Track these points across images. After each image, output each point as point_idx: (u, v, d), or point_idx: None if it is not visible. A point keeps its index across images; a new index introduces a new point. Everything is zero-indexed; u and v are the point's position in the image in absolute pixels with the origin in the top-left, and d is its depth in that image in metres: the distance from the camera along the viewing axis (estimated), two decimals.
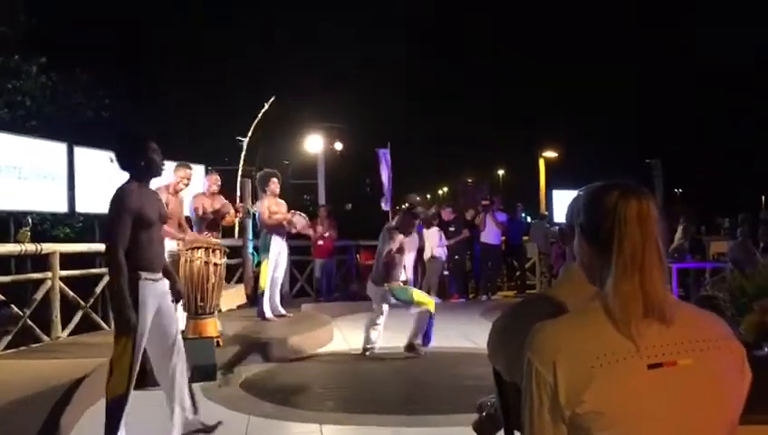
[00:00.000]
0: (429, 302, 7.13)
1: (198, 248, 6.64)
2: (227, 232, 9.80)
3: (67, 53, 17.18)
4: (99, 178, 8.59)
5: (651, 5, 31.17)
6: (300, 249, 12.17)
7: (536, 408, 1.26)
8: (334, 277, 12.28)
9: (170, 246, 6.29)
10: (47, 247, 7.35)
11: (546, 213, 15.43)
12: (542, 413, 1.26)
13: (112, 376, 3.85)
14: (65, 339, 7.24)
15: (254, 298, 8.92)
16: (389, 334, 8.35)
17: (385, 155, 14.14)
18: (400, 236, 7.16)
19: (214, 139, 19.38)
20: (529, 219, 16.37)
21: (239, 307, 9.87)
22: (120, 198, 3.93)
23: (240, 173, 8.66)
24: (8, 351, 6.57)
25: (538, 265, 13.85)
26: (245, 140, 8.66)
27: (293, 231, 8.93)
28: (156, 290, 3.98)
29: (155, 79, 21.01)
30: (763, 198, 25.24)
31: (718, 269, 11.07)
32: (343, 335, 8.50)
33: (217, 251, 6.78)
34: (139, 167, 4.06)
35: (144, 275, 3.91)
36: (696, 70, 27.80)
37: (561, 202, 15.57)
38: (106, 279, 7.87)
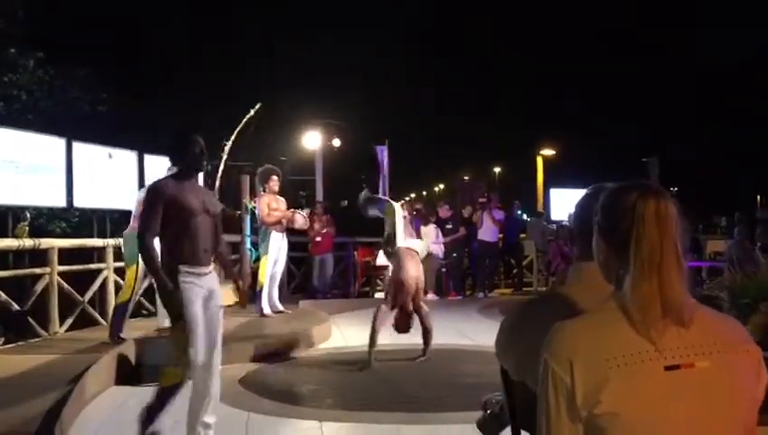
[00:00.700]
0: None
1: None
2: (224, 228, 9.78)
3: (64, 47, 17.13)
4: (96, 173, 8.58)
5: (650, 4, 31.21)
6: (298, 245, 12.16)
7: (553, 408, 1.26)
8: (332, 274, 12.28)
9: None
10: (45, 242, 7.33)
11: (543, 211, 15.45)
12: (559, 414, 1.25)
13: (171, 365, 3.85)
14: (63, 334, 7.22)
15: (252, 294, 8.91)
16: (387, 332, 8.36)
17: (383, 152, 14.14)
18: None
19: (211, 133, 19.34)
20: (525, 217, 16.38)
21: (237, 303, 9.84)
22: (152, 189, 3.93)
23: (219, 175, 8.60)
24: (7, 346, 6.55)
25: (535, 263, 13.87)
26: (229, 143, 8.61)
27: (296, 226, 8.92)
28: (200, 284, 3.84)
29: (152, 74, 20.94)
30: (759, 197, 25.32)
31: (715, 268, 11.11)
32: (341, 332, 8.50)
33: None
34: (182, 161, 4.00)
35: (184, 268, 3.78)
36: (693, 69, 27.85)
37: (559, 200, 15.60)
38: (103, 275, 7.88)
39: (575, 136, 27.14)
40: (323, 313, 9.12)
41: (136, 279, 6.53)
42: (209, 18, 24.62)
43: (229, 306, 9.33)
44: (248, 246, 10.14)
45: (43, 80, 16.89)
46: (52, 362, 5.75)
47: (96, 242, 8.23)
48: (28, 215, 7.48)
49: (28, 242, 7.01)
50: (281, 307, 8.76)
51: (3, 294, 6.67)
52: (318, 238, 11.65)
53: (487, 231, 12.55)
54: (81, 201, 8.47)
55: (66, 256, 7.73)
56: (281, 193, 8.76)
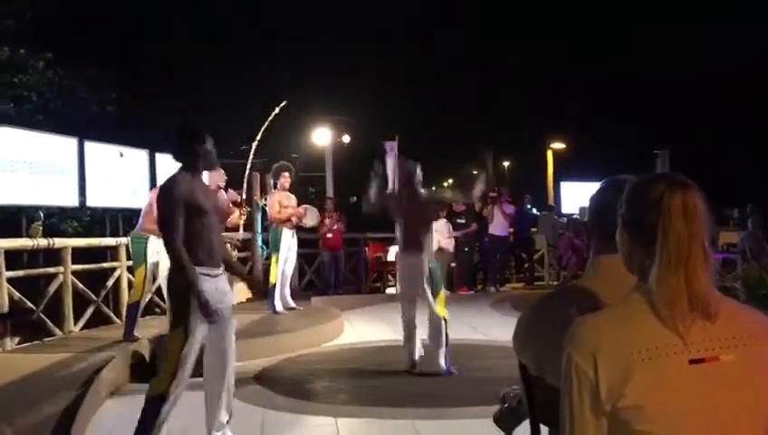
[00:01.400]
0: None
1: None
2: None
3: (73, 48, 17.19)
4: (108, 172, 8.62)
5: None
6: (308, 242, 12.17)
7: (576, 402, 1.26)
8: (343, 270, 12.29)
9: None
10: (59, 242, 7.37)
11: (554, 204, 15.39)
12: (583, 408, 1.25)
13: (159, 372, 3.67)
14: (78, 333, 7.26)
15: (264, 292, 8.94)
16: (399, 328, 8.37)
17: (392, 148, 14.11)
18: None
19: (221, 132, 19.40)
20: (535, 211, 16.32)
21: (248, 301, 9.87)
22: (168, 188, 3.74)
23: (247, 173, 8.61)
24: (22, 345, 6.60)
25: (546, 257, 13.83)
26: (254, 145, 8.61)
27: (308, 225, 8.93)
28: (213, 286, 3.77)
29: (161, 73, 21.00)
30: None
31: (728, 260, 11.07)
32: (353, 328, 8.51)
33: (227, 244, 6.79)
34: (191, 158, 3.85)
35: (200, 270, 3.69)
36: (705, 60, 27.64)
37: (570, 194, 15.54)
38: (117, 273, 7.92)
39: (585, 129, 27.00)
40: (335, 309, 9.14)
41: (145, 279, 6.56)
42: (218, 17, 24.66)
43: (244, 302, 9.38)
44: (259, 243, 10.17)
45: (52, 80, 16.98)
46: (67, 360, 5.79)
47: (109, 241, 8.27)
48: (41, 215, 7.52)
49: (42, 242, 7.05)
50: (293, 304, 8.79)
51: (17, 294, 6.71)
52: (329, 235, 11.66)
53: (498, 225, 12.52)
54: (93, 200, 8.52)
55: (79, 255, 7.77)
56: (291, 190, 8.77)
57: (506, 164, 42.15)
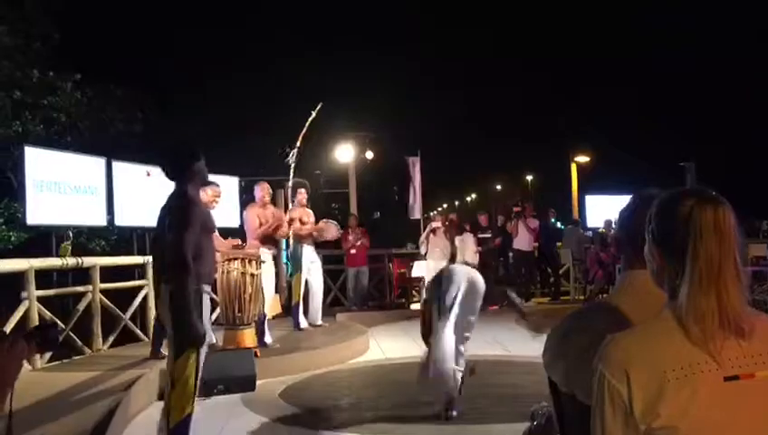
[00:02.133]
0: None
1: (235, 259, 6.70)
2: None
3: (99, 69, 17.51)
4: (135, 191, 8.73)
5: (684, 7, 30.79)
6: (333, 258, 12.20)
7: (609, 421, 1.24)
8: (368, 286, 12.28)
9: None
10: (88, 261, 7.47)
11: (579, 218, 15.28)
12: (616, 426, 1.23)
13: (176, 395, 3.57)
14: (106, 351, 7.33)
15: (289, 308, 8.97)
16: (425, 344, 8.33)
17: (415, 163, 14.16)
18: None
19: (244, 150, 19.59)
20: (559, 225, 16.21)
21: (275, 317, 9.91)
22: (189, 206, 3.70)
23: (290, 184, 8.65)
24: (52, 363, 6.67)
25: (572, 271, 13.71)
26: (294, 151, 8.64)
27: (328, 237, 8.95)
28: (208, 302, 3.95)
29: (186, 93, 21.28)
30: None
31: (757, 272, 10.88)
32: (379, 344, 8.49)
33: (254, 262, 6.83)
34: (192, 176, 3.85)
35: (203, 287, 3.77)
36: (731, 70, 27.39)
37: (595, 207, 15.42)
38: (144, 291, 8.00)
39: (610, 142, 26.86)
40: (361, 325, 9.13)
41: None
42: (242, 34, 24.96)
43: (270, 319, 9.43)
44: (284, 260, 10.22)
45: (80, 101, 17.28)
46: (96, 378, 5.84)
47: (136, 259, 8.36)
48: (71, 234, 7.63)
49: (71, 261, 7.15)
50: (320, 322, 8.79)
51: (48, 313, 6.80)
52: (352, 251, 11.68)
53: (522, 240, 12.46)
54: (120, 219, 8.63)
55: (107, 273, 7.86)
56: (313, 207, 8.81)
57: (530, 178, 42.02)
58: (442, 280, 5.09)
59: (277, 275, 10.57)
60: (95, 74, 17.22)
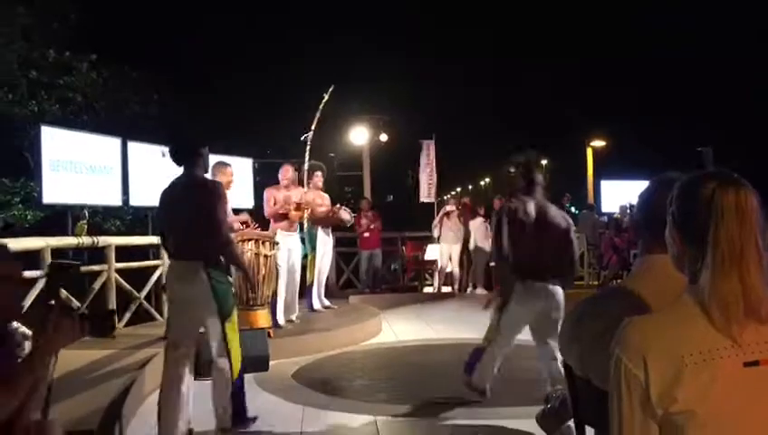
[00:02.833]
0: None
1: (248, 240, 6.71)
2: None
3: (116, 49, 17.54)
4: (150, 171, 8.76)
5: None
6: (346, 241, 12.22)
7: (626, 406, 1.23)
8: (381, 269, 12.31)
9: None
10: (103, 240, 7.51)
11: (594, 203, 15.18)
12: (633, 412, 1.22)
13: (235, 352, 4.13)
14: (121, 330, 7.40)
15: (302, 290, 9.00)
16: (439, 326, 8.35)
17: (429, 146, 14.12)
18: None
19: (256, 132, 19.62)
20: (573, 210, 16.11)
21: None
22: (219, 188, 4.16)
23: (307, 167, 8.67)
24: None
25: (586, 256, 13.64)
26: (310, 135, 8.65)
27: (343, 219, 8.96)
28: None
29: (201, 74, 21.29)
30: None
31: None
32: (391, 327, 8.51)
33: (267, 242, 6.84)
34: (200, 161, 4.28)
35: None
36: (749, 54, 27.02)
37: (610, 192, 15.33)
38: (159, 271, 8.06)
39: (626, 126, 26.63)
40: (373, 308, 9.16)
41: None
42: (256, 17, 24.89)
43: None
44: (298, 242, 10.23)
45: (96, 82, 17.33)
46: (111, 356, 5.90)
47: (151, 239, 8.40)
48: (86, 214, 7.68)
49: (87, 240, 7.20)
50: (327, 303, 8.84)
51: (64, 291, 6.85)
52: (365, 234, 11.69)
53: None
54: (135, 199, 8.67)
55: (122, 253, 7.91)
56: (327, 189, 8.81)
57: (545, 162, 41.81)
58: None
59: None
60: (111, 55, 17.26)
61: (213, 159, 6.72)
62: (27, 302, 6.35)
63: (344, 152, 19.50)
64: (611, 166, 19.59)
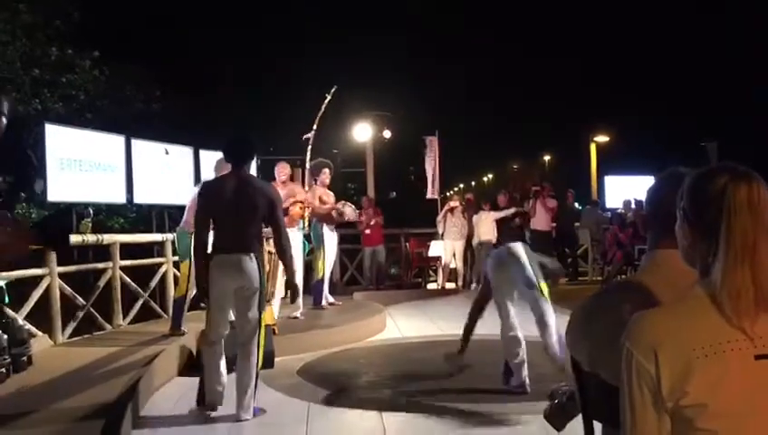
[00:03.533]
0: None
1: None
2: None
3: (118, 46, 17.54)
4: (154, 169, 8.78)
5: None
6: (350, 238, 12.23)
7: (637, 400, 1.23)
8: (384, 265, 12.31)
9: None
10: (108, 238, 7.54)
11: (598, 199, 15.17)
12: (644, 406, 1.22)
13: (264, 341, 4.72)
14: (126, 327, 7.42)
15: (306, 286, 9.01)
16: (443, 323, 8.35)
17: (432, 142, 14.10)
18: None
19: (258, 129, 19.62)
20: (577, 205, 16.09)
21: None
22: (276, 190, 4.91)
23: (310, 165, 8.68)
24: (73, 338, 6.77)
25: (590, 252, 13.64)
26: (311, 135, 8.66)
27: (346, 220, 8.97)
28: None
29: (204, 72, 21.29)
30: None
31: None
32: (395, 323, 8.52)
33: (271, 239, 6.84)
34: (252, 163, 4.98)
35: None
36: (754, 48, 26.91)
37: (614, 188, 15.31)
38: (163, 269, 8.07)
39: (629, 121, 26.55)
40: (378, 304, 9.16)
41: (190, 273, 6.65)
42: (260, 14, 24.87)
43: (285, 297, 9.48)
44: (301, 239, 10.24)
45: (99, 79, 17.33)
46: (117, 353, 5.92)
47: (155, 237, 8.42)
48: (91, 211, 7.69)
49: (92, 238, 7.21)
50: (332, 299, 8.85)
51: (68, 289, 6.88)
52: (367, 231, 11.70)
53: (540, 220, 12.40)
54: (140, 197, 8.69)
55: (126, 251, 7.93)
56: (331, 185, 8.81)
57: (548, 158, 41.74)
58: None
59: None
60: (114, 53, 17.26)
61: (217, 155, 6.75)
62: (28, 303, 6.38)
63: (348, 149, 19.48)
64: (615, 161, 19.58)
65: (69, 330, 6.80)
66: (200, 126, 17.43)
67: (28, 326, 5.91)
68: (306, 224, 8.19)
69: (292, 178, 8.24)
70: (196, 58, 21.18)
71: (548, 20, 36.80)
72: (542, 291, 5.18)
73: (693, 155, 14.90)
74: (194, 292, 7.17)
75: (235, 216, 4.47)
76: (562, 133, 30.32)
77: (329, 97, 8.69)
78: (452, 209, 11.84)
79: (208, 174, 8.51)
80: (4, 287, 5.38)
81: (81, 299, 7.02)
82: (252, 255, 4.45)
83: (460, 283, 12.08)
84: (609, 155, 18.73)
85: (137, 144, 8.51)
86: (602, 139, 17.69)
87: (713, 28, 29.06)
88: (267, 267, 6.73)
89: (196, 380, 5.49)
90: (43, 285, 6.46)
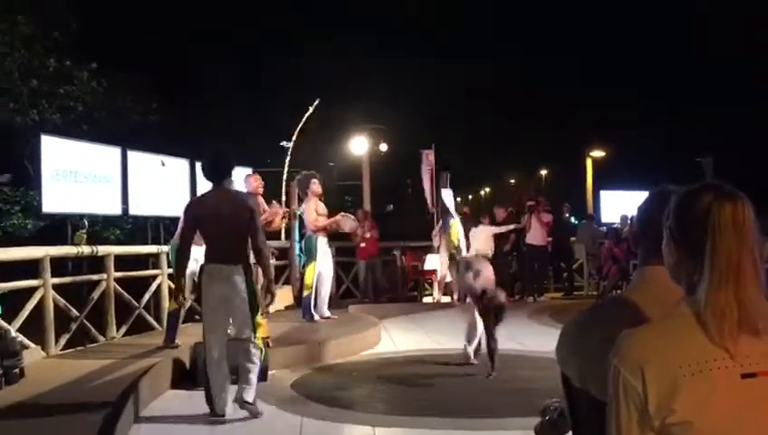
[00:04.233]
0: None
1: None
2: (275, 234, 9.87)
3: (116, 58, 17.59)
4: (150, 181, 8.77)
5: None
6: (345, 251, 12.22)
7: (623, 418, 1.23)
8: (379, 279, 12.29)
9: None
10: (102, 250, 7.51)
11: (593, 213, 15.19)
12: (630, 422, 1.22)
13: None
14: (120, 339, 7.39)
15: (301, 300, 8.98)
16: (438, 336, 8.34)
17: (429, 155, 14.12)
18: None
19: (257, 140, 19.66)
20: (573, 220, 16.10)
21: (287, 308, 9.95)
22: (256, 202, 5.34)
23: (285, 176, 8.69)
24: (67, 350, 6.74)
25: (586, 266, 13.65)
26: (290, 144, 8.70)
27: (346, 229, 8.97)
28: None
29: (199, 82, 21.36)
30: None
31: None
32: (390, 337, 8.50)
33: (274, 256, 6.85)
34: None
35: None
36: (750, 63, 27.06)
37: (610, 202, 15.33)
38: (158, 281, 8.05)
39: (625, 137, 26.65)
40: (373, 317, 9.14)
41: (184, 286, 6.63)
42: (255, 25, 24.97)
43: (281, 310, 9.46)
44: (297, 251, 10.24)
45: (96, 91, 17.37)
46: (111, 366, 5.89)
47: (150, 249, 8.40)
48: (86, 223, 7.68)
49: (86, 249, 7.20)
50: (328, 313, 8.77)
51: (62, 300, 6.86)
52: (362, 244, 11.69)
53: (536, 234, 12.41)
54: (135, 209, 8.67)
55: (121, 262, 7.91)
56: (325, 198, 8.79)
57: (545, 172, 41.83)
58: None
59: (289, 266, 10.63)
60: (112, 64, 17.31)
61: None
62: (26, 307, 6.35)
63: (344, 162, 19.53)
64: (611, 176, 19.61)
65: (62, 342, 6.77)
66: (197, 138, 17.46)
67: (21, 338, 5.89)
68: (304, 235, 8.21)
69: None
70: (193, 70, 21.27)
71: (547, 31, 36.99)
72: None
73: (689, 170, 14.92)
74: (188, 304, 7.18)
75: (218, 229, 4.81)
76: (559, 148, 30.39)
77: (311, 109, 8.73)
78: None
79: (204, 186, 8.53)
80: None
81: (74, 311, 6.99)
82: (239, 266, 4.77)
83: (456, 296, 12.04)
84: (605, 170, 18.77)
85: (133, 156, 8.51)
86: (598, 153, 17.75)
87: (711, 41, 29.22)
88: (260, 281, 6.76)
89: (190, 392, 5.49)
90: (37, 296, 6.44)
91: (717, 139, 24.13)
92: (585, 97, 33.32)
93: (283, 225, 8.11)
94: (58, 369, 5.86)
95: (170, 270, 7.52)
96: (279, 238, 11.01)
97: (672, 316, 1.29)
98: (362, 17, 29.03)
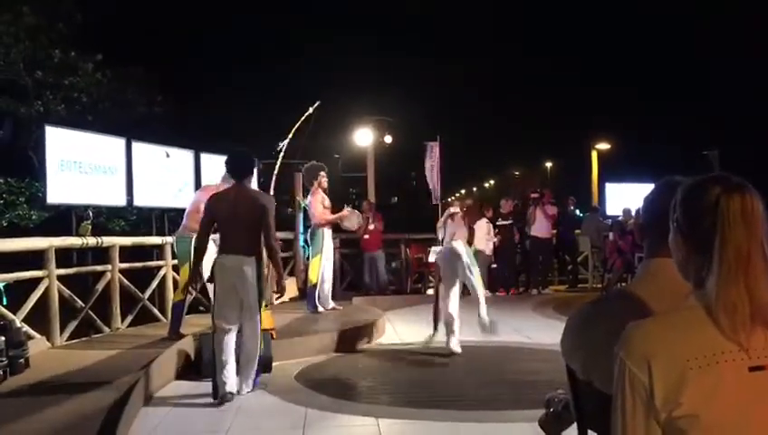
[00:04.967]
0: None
1: None
2: (279, 225, 9.86)
3: (121, 50, 17.59)
4: (154, 172, 8.77)
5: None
6: (349, 242, 12.21)
7: (629, 410, 1.22)
8: (384, 270, 12.28)
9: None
10: (107, 241, 7.52)
11: (599, 206, 15.15)
12: (636, 414, 1.21)
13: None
14: (125, 330, 7.41)
15: (306, 291, 8.98)
16: (442, 328, 8.32)
17: (433, 148, 14.08)
18: None
19: (264, 132, 19.62)
20: (578, 213, 16.04)
21: (291, 299, 9.96)
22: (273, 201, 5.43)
23: (275, 172, 8.68)
24: (71, 341, 6.76)
25: (590, 259, 13.62)
26: (284, 144, 8.69)
27: (354, 227, 8.99)
28: None
29: (205, 76, 21.35)
30: None
31: None
32: (394, 329, 8.50)
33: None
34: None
35: None
36: (756, 56, 26.92)
37: (615, 195, 15.28)
38: (162, 272, 8.06)
39: (631, 129, 26.59)
40: (377, 309, 9.13)
41: (189, 278, 6.64)
42: (261, 19, 24.93)
43: (286, 302, 9.46)
44: (301, 243, 10.23)
45: (101, 82, 17.38)
46: (115, 356, 5.91)
47: (155, 240, 8.41)
48: (91, 214, 7.69)
49: (91, 240, 7.21)
50: (333, 304, 8.77)
51: (67, 291, 6.87)
52: (366, 236, 11.68)
53: (540, 227, 12.38)
54: (140, 200, 8.67)
55: (126, 253, 7.92)
56: (331, 191, 8.78)
57: (550, 165, 41.75)
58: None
59: (294, 258, 10.64)
60: (116, 56, 17.31)
61: (218, 158, 6.81)
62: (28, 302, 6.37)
63: (349, 153, 19.49)
64: (616, 168, 19.54)
65: (67, 332, 6.79)
66: (201, 129, 17.46)
67: (26, 328, 5.91)
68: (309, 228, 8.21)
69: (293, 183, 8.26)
70: (197, 62, 21.25)
71: (552, 26, 36.85)
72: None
73: (695, 163, 14.86)
74: (192, 296, 7.20)
75: (234, 225, 5.14)
76: (564, 140, 30.35)
77: (310, 110, 8.69)
78: (452, 215, 11.80)
79: (209, 177, 8.52)
80: (2, 289, 5.39)
81: (79, 301, 7.01)
82: (252, 258, 5.11)
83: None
84: (610, 162, 18.70)
85: (137, 147, 8.51)
86: (604, 146, 17.68)
87: (714, 36, 29.06)
88: (265, 272, 6.76)
89: (194, 383, 5.50)
90: (42, 287, 6.45)
91: (723, 130, 24.03)
92: (591, 90, 33.21)
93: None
94: (63, 359, 5.88)
95: (175, 261, 7.53)
96: (284, 229, 11.00)
97: (680, 309, 1.27)
98: (362, 17, 28.95)
